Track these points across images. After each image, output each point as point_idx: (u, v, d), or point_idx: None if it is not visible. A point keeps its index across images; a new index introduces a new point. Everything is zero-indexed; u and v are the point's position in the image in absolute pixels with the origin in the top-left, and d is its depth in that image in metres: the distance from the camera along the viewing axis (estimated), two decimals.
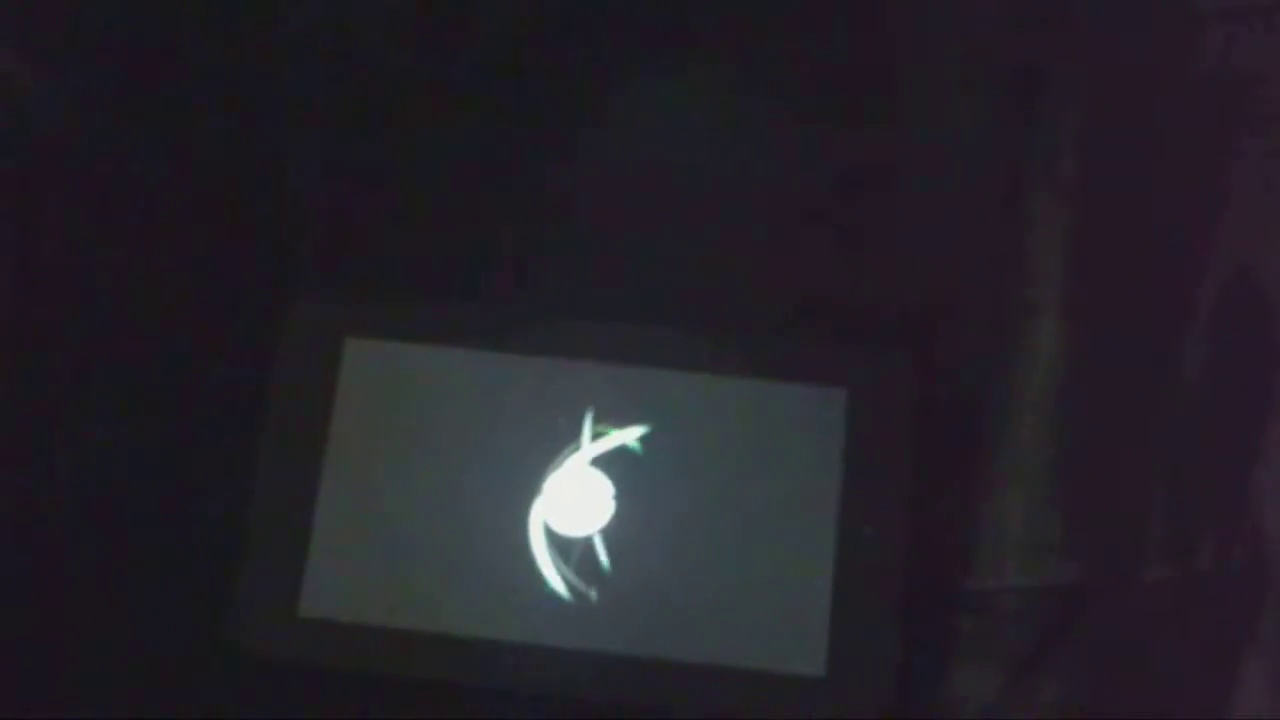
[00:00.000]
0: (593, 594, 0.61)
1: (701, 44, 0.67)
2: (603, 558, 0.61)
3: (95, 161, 0.66)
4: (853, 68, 0.66)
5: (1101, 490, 0.63)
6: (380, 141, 0.66)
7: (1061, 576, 0.63)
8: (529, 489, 0.62)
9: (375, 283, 0.65)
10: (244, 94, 0.67)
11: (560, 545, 0.62)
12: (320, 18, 0.67)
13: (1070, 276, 0.65)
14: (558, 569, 0.61)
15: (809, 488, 0.62)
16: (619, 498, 0.62)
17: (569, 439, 0.62)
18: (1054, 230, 0.65)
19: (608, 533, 0.62)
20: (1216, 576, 0.63)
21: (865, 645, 0.61)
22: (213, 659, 0.61)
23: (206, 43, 0.67)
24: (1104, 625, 0.62)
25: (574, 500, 0.62)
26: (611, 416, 0.63)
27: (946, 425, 0.63)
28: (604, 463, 0.62)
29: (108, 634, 0.62)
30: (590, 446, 0.62)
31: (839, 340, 0.64)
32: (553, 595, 0.61)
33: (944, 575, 0.62)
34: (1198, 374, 0.64)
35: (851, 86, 0.66)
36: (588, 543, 0.62)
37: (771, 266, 0.65)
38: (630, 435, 0.62)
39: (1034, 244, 0.65)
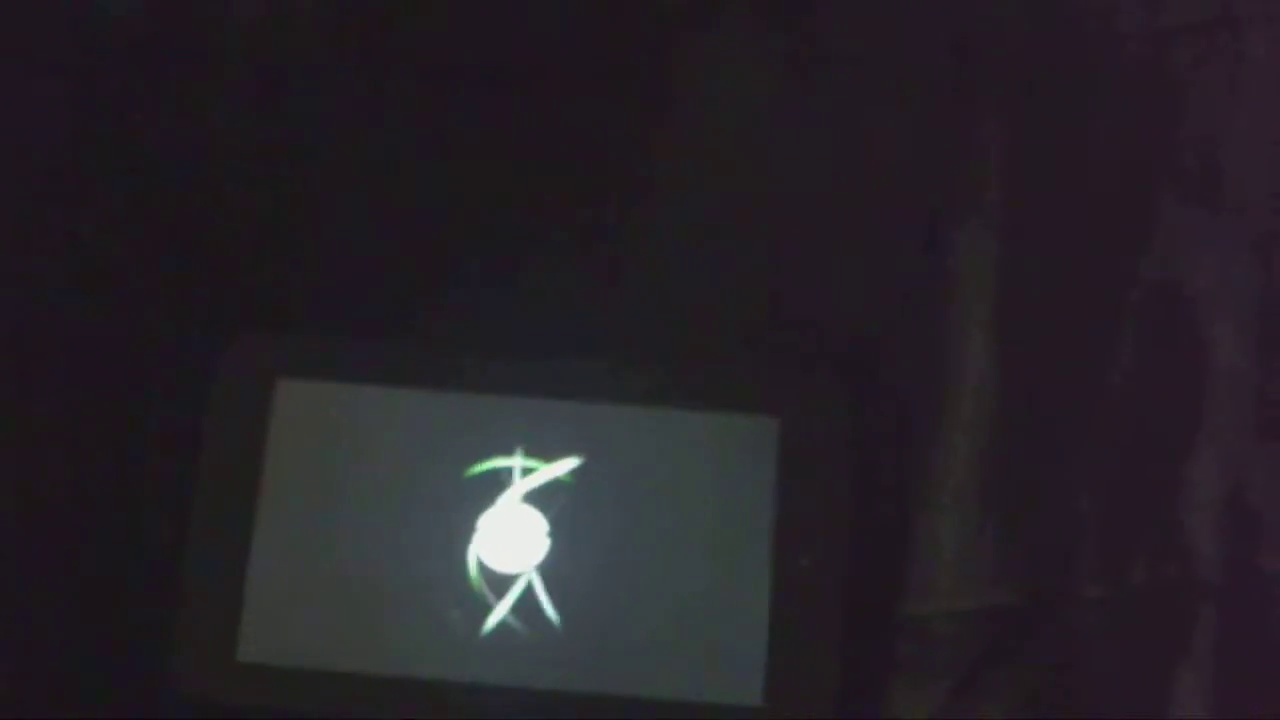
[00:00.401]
0: (530, 631, 0.61)
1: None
2: (539, 594, 0.62)
3: (24, 195, 0.66)
4: (783, 94, 0.67)
5: (1034, 511, 0.64)
6: (313, 178, 0.66)
7: (996, 598, 0.63)
8: (464, 527, 0.62)
9: (307, 322, 0.65)
10: (177, 129, 0.67)
11: (497, 582, 0.62)
12: (254, 51, 0.67)
13: (999, 299, 0.65)
14: (495, 606, 0.61)
15: (744, 517, 0.62)
16: (553, 533, 0.62)
17: (502, 476, 0.63)
18: (983, 253, 0.66)
19: (543, 568, 0.62)
20: (1149, 593, 0.63)
21: (803, 674, 0.61)
22: (153, 704, 0.61)
23: (142, 77, 0.67)
24: (1040, 645, 0.63)
25: (508, 537, 0.62)
26: (544, 451, 0.63)
27: (879, 451, 0.64)
28: (537, 498, 0.62)
29: (46, 678, 0.62)
30: (522, 482, 0.62)
31: (770, 369, 0.65)
32: (491, 633, 0.61)
33: (879, 601, 0.63)
34: (1127, 393, 0.65)
35: (782, 112, 0.67)
36: (524, 579, 0.62)
37: (700, 296, 0.65)
38: (563, 469, 0.63)
39: (963, 267, 0.65)
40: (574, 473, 0.63)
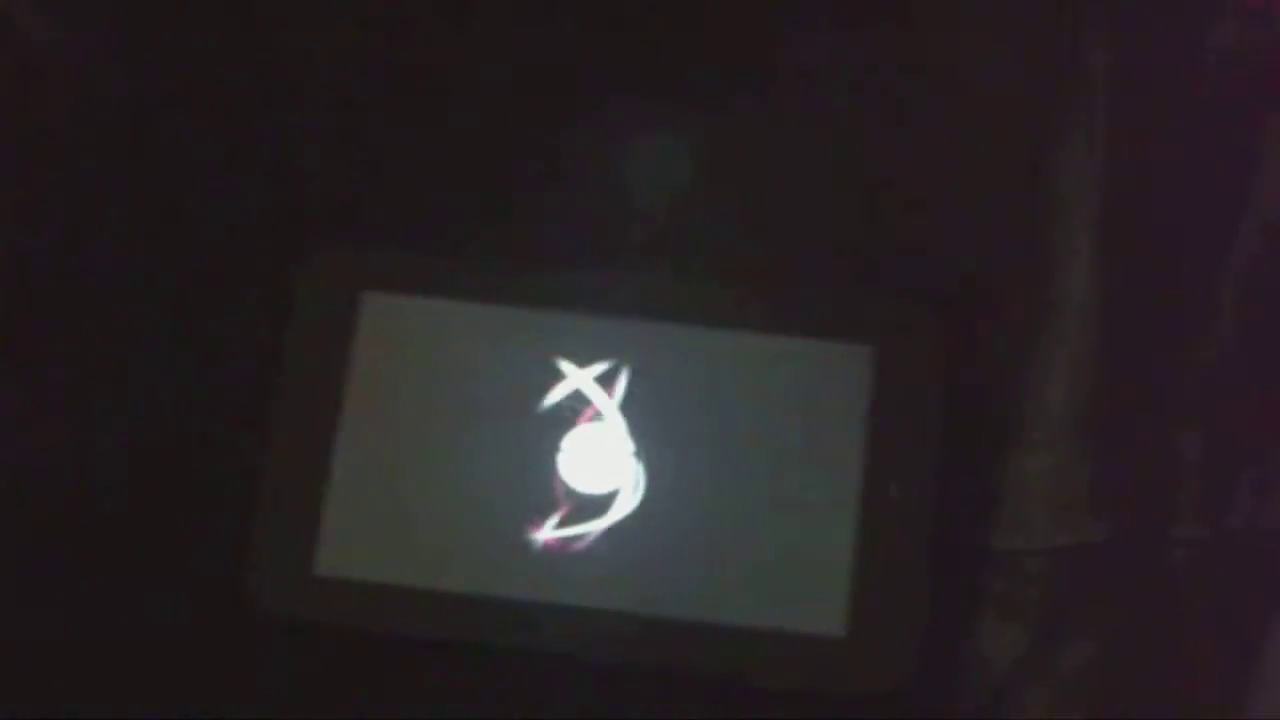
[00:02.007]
0: (613, 553, 0.60)
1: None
2: (624, 516, 0.61)
3: (100, 113, 0.65)
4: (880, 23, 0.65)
5: (1133, 448, 0.62)
6: (396, 94, 0.65)
7: (1090, 535, 0.62)
8: (549, 446, 0.61)
9: (392, 235, 0.64)
10: (250, 47, 0.65)
11: (580, 503, 0.61)
12: None
13: (1102, 229, 0.63)
14: (579, 527, 0.61)
15: (833, 445, 0.61)
16: (640, 454, 0.61)
17: (589, 396, 0.61)
18: (1087, 182, 0.64)
19: (629, 490, 0.61)
20: (1247, 537, 0.61)
21: (888, 606, 0.60)
22: (229, 617, 0.61)
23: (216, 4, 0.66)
24: (1133, 584, 0.61)
25: (594, 458, 0.61)
26: (633, 371, 0.62)
27: (975, 382, 0.62)
28: (625, 419, 0.61)
29: (123, 594, 0.62)
30: (611, 403, 0.61)
31: (865, 296, 0.63)
32: (572, 554, 0.60)
33: (970, 535, 0.61)
34: (1233, 330, 0.63)
35: (879, 40, 0.65)
36: (608, 500, 0.61)
37: (797, 221, 0.64)
38: (651, 392, 0.61)
39: (1066, 196, 0.64)
40: (662, 394, 0.61)
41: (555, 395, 0.62)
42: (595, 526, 0.61)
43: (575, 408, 0.61)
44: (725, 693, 0.60)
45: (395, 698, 0.61)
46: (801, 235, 0.64)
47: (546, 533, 0.61)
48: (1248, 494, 0.62)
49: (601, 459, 0.61)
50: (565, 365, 0.62)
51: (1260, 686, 0.60)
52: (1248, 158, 0.63)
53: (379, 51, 0.65)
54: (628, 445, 0.61)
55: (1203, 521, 0.62)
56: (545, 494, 0.61)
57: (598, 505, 0.61)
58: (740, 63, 0.64)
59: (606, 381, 0.62)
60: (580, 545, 0.61)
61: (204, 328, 0.63)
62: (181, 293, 0.64)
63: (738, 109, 0.64)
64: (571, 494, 0.61)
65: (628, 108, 0.64)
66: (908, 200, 0.64)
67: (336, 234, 0.64)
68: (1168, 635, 0.61)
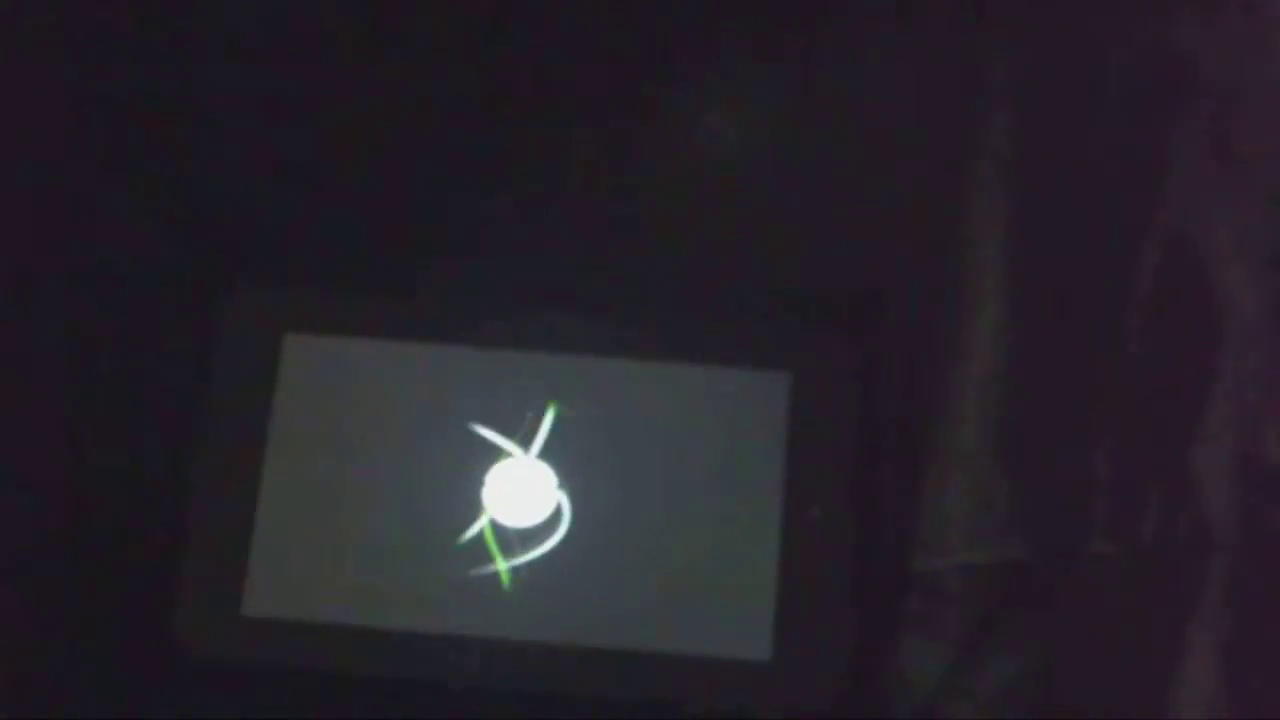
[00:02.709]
0: (539, 586, 0.61)
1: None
2: (548, 548, 0.61)
3: (20, 151, 0.65)
4: (787, 49, 0.66)
5: (1044, 466, 0.63)
6: (315, 133, 0.66)
7: (1007, 553, 0.63)
8: (473, 481, 0.62)
9: (313, 276, 0.65)
10: (176, 83, 0.66)
11: (505, 537, 0.61)
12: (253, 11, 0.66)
13: (1011, 253, 0.65)
14: (503, 561, 0.61)
15: (754, 472, 0.62)
16: (563, 487, 0.62)
17: (512, 430, 0.62)
18: (994, 207, 0.65)
19: (552, 523, 0.61)
20: (1161, 548, 0.63)
21: (813, 629, 0.61)
22: (158, 660, 0.61)
23: (141, 27, 0.66)
24: (1050, 600, 0.62)
25: (518, 491, 0.62)
26: (556, 406, 0.62)
27: (890, 406, 0.63)
28: (546, 453, 0.62)
29: (50, 636, 0.61)
30: (532, 437, 0.62)
31: (781, 324, 0.64)
32: (499, 588, 0.61)
33: (890, 556, 0.62)
34: (1139, 347, 0.64)
35: (788, 69, 0.66)
36: (532, 534, 0.61)
37: (711, 251, 0.65)
38: (573, 424, 0.62)
39: (974, 222, 0.65)
40: (584, 427, 0.62)
41: (478, 431, 0.62)
42: (521, 560, 0.61)
43: (498, 444, 0.62)
44: (656, 718, 0.61)
45: None
46: (715, 267, 0.65)
47: (473, 568, 0.61)
48: (1157, 508, 0.63)
49: (526, 493, 0.62)
50: (486, 401, 0.62)
51: (1180, 693, 0.61)
52: (1151, 175, 0.65)
53: (304, 91, 0.65)
54: (551, 479, 0.62)
55: (1116, 537, 0.63)
56: (471, 530, 0.61)
57: (523, 539, 0.61)
58: (654, 92, 0.66)
59: (529, 417, 0.62)
60: (507, 579, 0.61)
61: (127, 371, 0.64)
62: (104, 337, 0.64)
63: (649, 143, 0.65)
64: (497, 529, 0.61)
65: (547, 143, 0.65)
66: (819, 230, 0.65)
67: (261, 276, 0.64)
68: (1088, 648, 0.62)
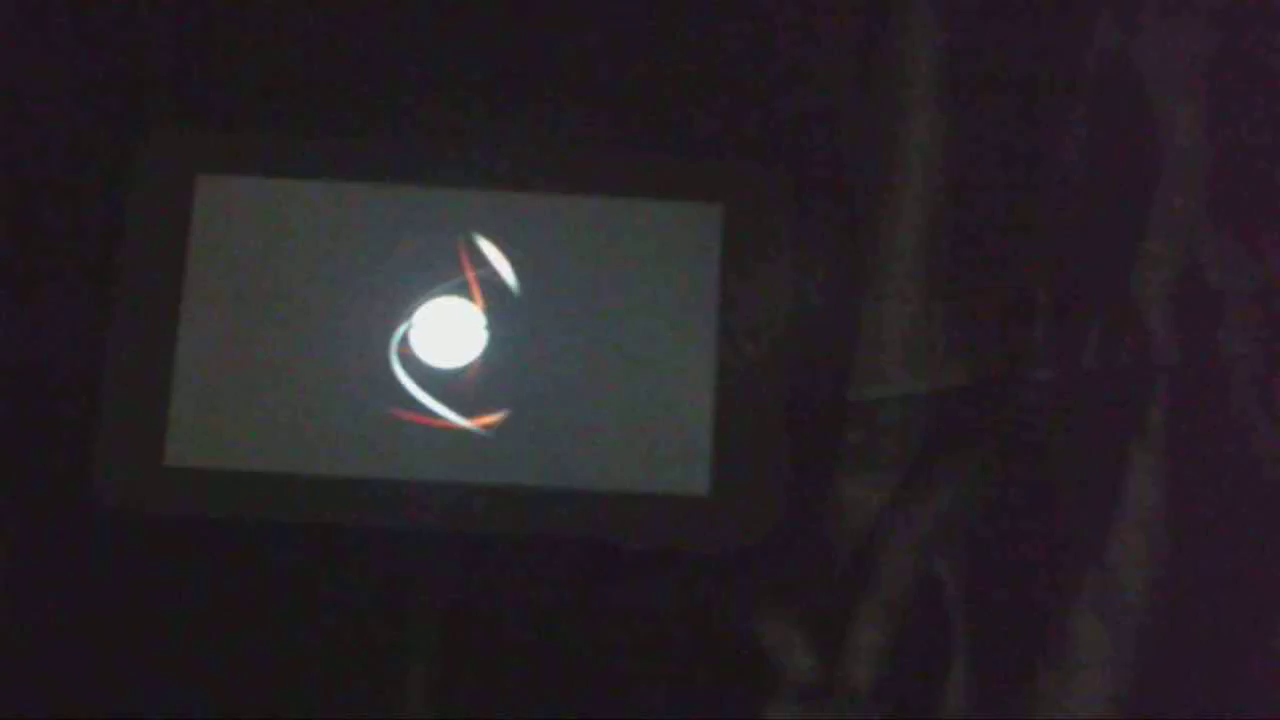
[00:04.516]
0: (468, 426, 0.59)
1: None
2: (477, 388, 0.60)
3: None
4: None
5: (983, 293, 0.62)
6: None
7: (946, 381, 0.62)
8: (397, 322, 0.60)
9: (226, 116, 0.62)
10: None
11: (432, 378, 0.60)
12: None
13: (943, 71, 0.63)
14: (431, 403, 0.59)
15: (687, 306, 0.60)
16: (490, 326, 0.60)
17: (436, 269, 0.60)
18: (929, 32, 0.63)
19: (481, 363, 0.60)
20: (1102, 374, 0.62)
21: (750, 462, 0.59)
22: (79, 514, 0.59)
23: None
24: (991, 427, 0.61)
25: (445, 332, 0.60)
26: (479, 242, 0.61)
27: (824, 237, 0.62)
28: (473, 290, 0.60)
29: None
30: (458, 275, 0.60)
31: (713, 156, 0.63)
32: (426, 430, 0.59)
33: (827, 388, 0.61)
34: (1078, 169, 0.63)
35: None
36: (461, 374, 0.60)
37: (642, 83, 0.63)
38: (500, 261, 0.60)
39: (905, 42, 0.63)
40: (511, 263, 0.60)
41: (403, 270, 0.60)
42: (450, 400, 0.60)
43: (424, 282, 0.60)
44: (594, 556, 0.60)
45: (255, 585, 0.59)
46: (647, 101, 0.63)
47: (400, 409, 0.59)
48: (1098, 333, 0.62)
49: (453, 332, 0.60)
50: (412, 239, 0.60)
51: (1120, 521, 0.61)
52: (1089, 4, 0.64)
53: None
54: (479, 317, 0.60)
55: (1056, 363, 0.62)
56: (396, 371, 0.60)
57: (451, 379, 0.60)
58: None
59: (456, 253, 0.60)
60: (436, 420, 0.59)
61: (39, 220, 0.61)
62: (16, 181, 0.62)
63: None
64: (424, 369, 0.60)
65: None
66: (750, 62, 0.63)
67: (173, 116, 0.62)
68: (1028, 476, 0.61)
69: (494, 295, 0.60)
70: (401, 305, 0.60)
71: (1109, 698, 0.60)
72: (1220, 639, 0.60)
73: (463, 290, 0.60)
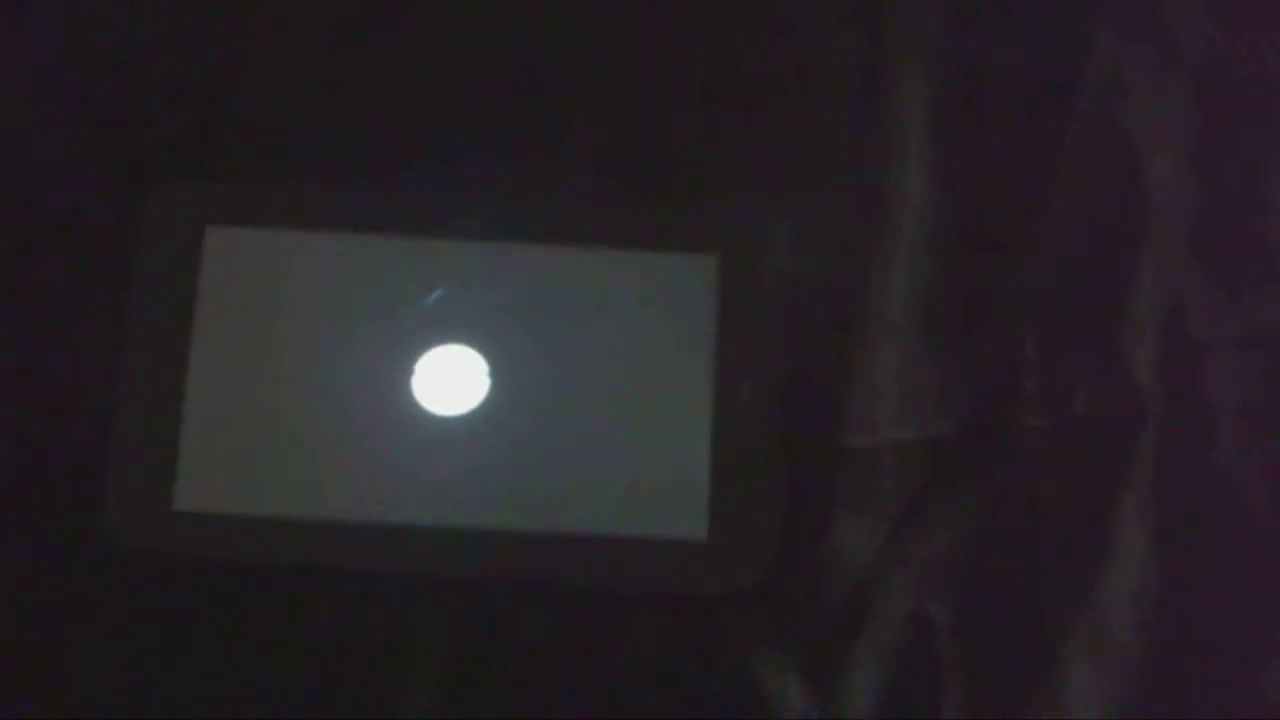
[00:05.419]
0: (471, 471, 0.60)
1: None
2: (479, 435, 0.61)
3: None
4: None
5: (974, 342, 0.64)
6: (235, 19, 0.65)
7: (938, 429, 0.63)
8: (402, 370, 0.61)
9: (236, 167, 0.64)
10: None
11: (436, 425, 0.61)
12: None
13: (934, 125, 0.65)
14: (435, 449, 0.61)
15: (683, 354, 0.62)
16: (493, 374, 0.61)
17: (440, 318, 0.62)
18: (920, 89, 0.65)
19: (483, 410, 0.61)
20: (1091, 421, 0.63)
21: (746, 508, 0.61)
22: (88, 558, 0.60)
23: None
24: (982, 475, 0.63)
25: (448, 379, 0.61)
26: (480, 293, 0.62)
27: (818, 285, 0.63)
28: (475, 340, 0.62)
29: None
30: (460, 324, 0.62)
31: (707, 206, 0.64)
32: (431, 476, 0.60)
33: (821, 434, 0.62)
34: (1066, 223, 0.65)
35: None
36: (463, 421, 0.61)
37: (637, 135, 0.64)
38: (501, 311, 0.62)
39: (900, 103, 0.65)
40: (512, 314, 0.62)
41: (407, 319, 0.62)
42: (453, 447, 0.61)
43: (425, 331, 0.62)
44: (592, 602, 0.61)
45: (262, 628, 0.60)
46: (638, 150, 0.64)
47: (404, 455, 0.61)
48: (1087, 384, 0.63)
49: (455, 381, 0.61)
50: (413, 289, 0.62)
51: (1109, 564, 0.62)
52: (1076, 62, 0.65)
53: None
54: (481, 366, 0.62)
55: (1045, 412, 0.63)
56: (400, 418, 0.61)
57: (454, 426, 0.61)
58: None
59: (458, 303, 0.62)
60: (440, 466, 0.61)
61: (50, 268, 0.63)
62: (25, 232, 0.63)
63: (566, 16, 0.65)
64: (427, 417, 0.61)
65: (468, 26, 0.65)
66: (744, 108, 0.65)
67: (181, 169, 0.64)
68: (1018, 520, 0.62)
69: (495, 343, 0.62)
70: (406, 353, 0.61)
71: None
72: (1209, 680, 0.61)
73: (465, 339, 0.62)
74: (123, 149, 0.64)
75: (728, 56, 0.65)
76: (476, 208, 0.63)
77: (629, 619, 0.61)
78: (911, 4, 0.66)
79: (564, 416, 0.61)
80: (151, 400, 0.61)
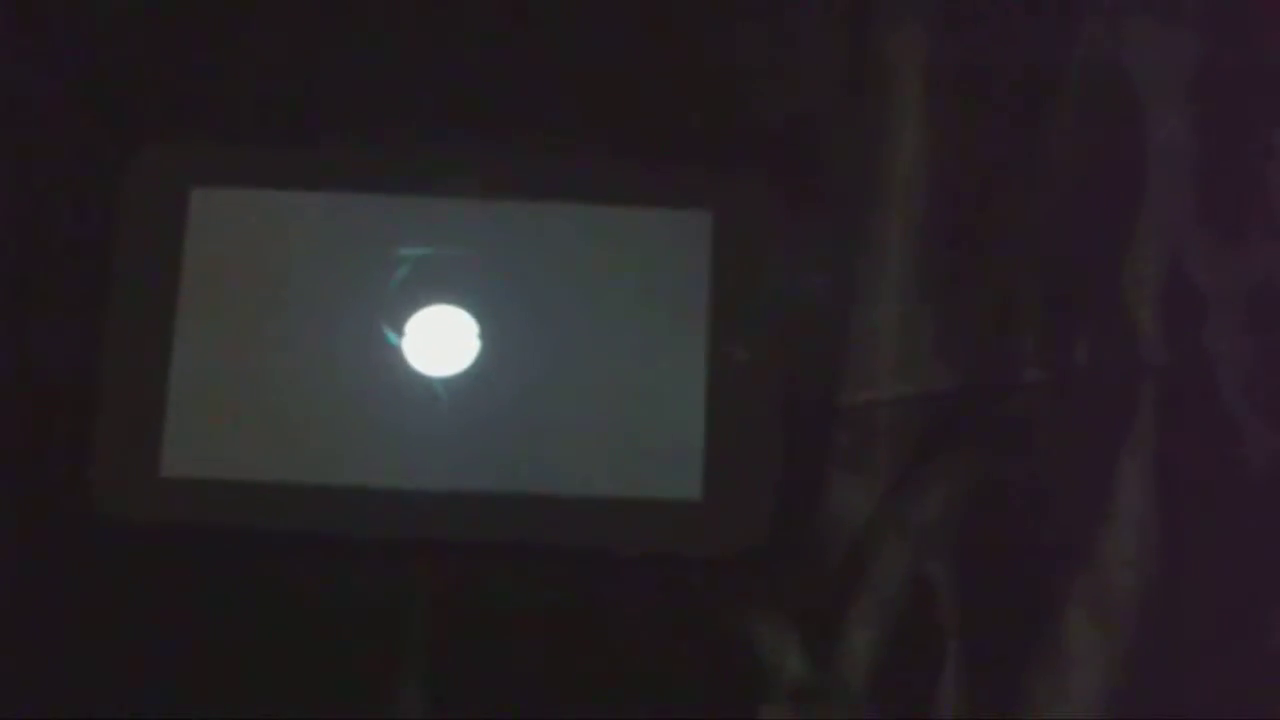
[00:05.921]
0: (462, 433, 0.60)
1: None
2: (472, 396, 0.60)
3: None
4: None
5: (972, 296, 0.63)
6: None
7: (936, 384, 0.62)
8: (393, 331, 0.60)
9: (220, 127, 0.63)
10: None
11: (426, 386, 0.60)
12: None
13: (930, 76, 0.64)
14: (425, 410, 0.60)
15: (677, 313, 0.61)
16: (483, 334, 0.61)
17: (429, 278, 0.61)
18: (915, 39, 0.64)
19: (474, 370, 0.60)
20: (1091, 374, 0.62)
21: (742, 466, 0.60)
22: (76, 525, 0.59)
23: None
24: (981, 429, 0.62)
25: (438, 340, 0.60)
26: (473, 251, 0.61)
27: (814, 242, 0.62)
28: (466, 299, 0.61)
29: None
30: (450, 283, 0.61)
31: (702, 163, 0.63)
32: (421, 437, 0.60)
33: (817, 392, 0.62)
34: (1065, 173, 0.63)
35: None
36: (455, 382, 0.60)
37: (630, 91, 0.63)
38: (491, 269, 0.61)
39: (891, 48, 0.64)
40: (503, 272, 0.61)
41: (395, 280, 0.61)
42: (444, 408, 0.60)
43: (414, 291, 0.61)
44: (586, 563, 0.60)
45: (251, 594, 0.60)
46: (636, 108, 0.63)
47: (394, 417, 0.60)
48: (1087, 337, 0.62)
49: (447, 341, 0.61)
50: (404, 249, 0.61)
51: (1110, 520, 0.61)
52: (1074, 6, 0.64)
53: None
54: (472, 326, 0.61)
55: (1046, 365, 0.62)
56: (391, 380, 0.60)
57: (446, 387, 0.60)
58: None
59: (447, 263, 0.61)
60: (430, 428, 0.60)
61: (33, 227, 0.62)
62: (8, 193, 0.62)
63: None
64: (418, 378, 0.60)
65: None
66: (738, 64, 0.64)
67: (166, 130, 0.63)
68: (1018, 477, 0.61)
69: (486, 303, 0.61)
70: (396, 315, 0.61)
71: (1102, 697, 0.60)
72: (1212, 637, 0.61)
73: (455, 299, 0.61)
74: (107, 111, 0.63)
75: (721, 17, 0.64)
76: (466, 166, 0.62)
77: (624, 581, 0.60)
78: None
79: (556, 377, 0.60)
80: (137, 365, 0.60)
